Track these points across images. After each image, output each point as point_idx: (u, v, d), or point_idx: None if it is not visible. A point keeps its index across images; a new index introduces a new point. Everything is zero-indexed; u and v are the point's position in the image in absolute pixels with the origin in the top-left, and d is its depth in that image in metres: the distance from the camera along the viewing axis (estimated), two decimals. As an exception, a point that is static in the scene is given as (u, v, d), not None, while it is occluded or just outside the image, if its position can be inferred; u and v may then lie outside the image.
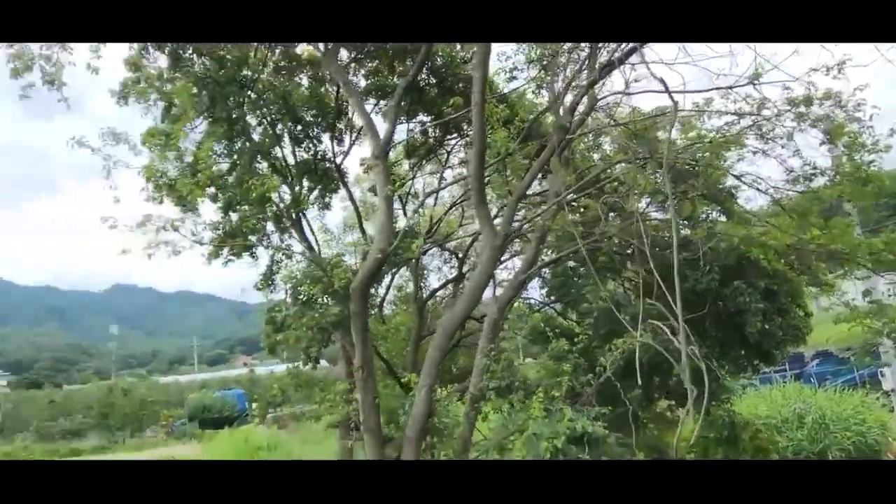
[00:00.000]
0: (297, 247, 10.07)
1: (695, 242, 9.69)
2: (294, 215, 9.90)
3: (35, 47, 6.75)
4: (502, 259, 12.21)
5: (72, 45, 6.81)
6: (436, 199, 13.69)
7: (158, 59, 8.98)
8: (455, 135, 11.39)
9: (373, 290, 11.27)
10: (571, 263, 12.07)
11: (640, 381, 5.37)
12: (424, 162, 11.66)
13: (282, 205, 9.81)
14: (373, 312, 11.89)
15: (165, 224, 7.68)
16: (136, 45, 8.61)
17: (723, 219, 10.07)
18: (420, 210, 13.66)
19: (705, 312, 9.17)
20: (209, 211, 9.62)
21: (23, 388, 61.34)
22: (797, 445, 12.64)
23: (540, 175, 9.37)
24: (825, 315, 11.88)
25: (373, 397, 6.80)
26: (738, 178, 8.47)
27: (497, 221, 8.29)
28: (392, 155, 11.27)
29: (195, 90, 8.37)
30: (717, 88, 7.74)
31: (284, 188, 10.25)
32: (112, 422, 32.07)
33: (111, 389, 35.60)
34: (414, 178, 11.74)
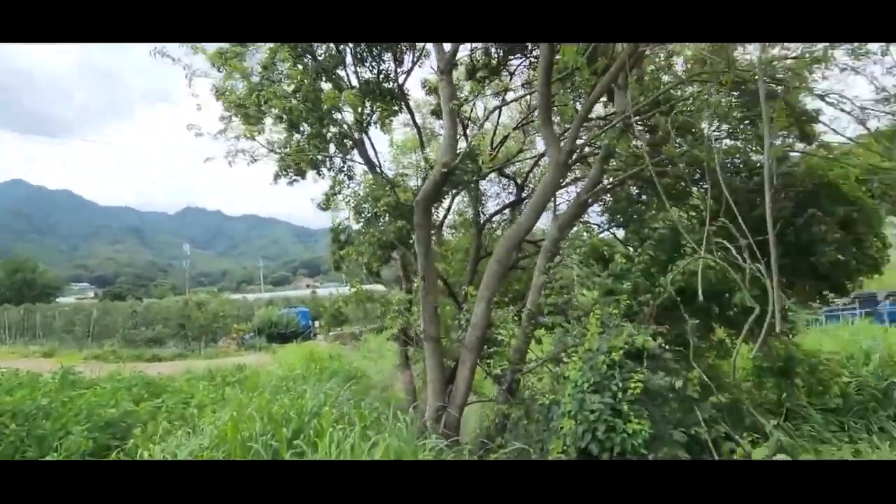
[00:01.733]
0: (359, 168, 10.26)
1: (763, 166, 9.32)
2: (357, 135, 10.01)
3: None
4: (565, 184, 12.08)
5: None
6: (497, 122, 13.48)
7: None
8: (519, 54, 11.06)
9: (435, 210, 11.43)
10: (635, 189, 11.81)
11: (701, 299, 5.33)
12: (487, 82, 11.41)
13: (345, 125, 9.94)
14: (432, 233, 12.10)
15: (241, 134, 7.95)
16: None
17: (800, 145, 9.57)
18: (481, 132, 13.54)
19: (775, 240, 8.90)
20: (274, 134, 9.90)
21: (108, 299, 66.46)
22: (861, 382, 12.34)
23: (606, 97, 9.07)
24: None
25: (434, 307, 7.04)
26: (821, 97, 7.95)
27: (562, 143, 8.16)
28: (454, 76, 11.11)
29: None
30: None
31: (347, 109, 10.33)
32: (188, 332, 34.45)
33: (186, 303, 37.99)
34: (476, 98, 11.54)
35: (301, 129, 9.64)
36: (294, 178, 10.11)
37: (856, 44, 7.45)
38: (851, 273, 8.49)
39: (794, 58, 7.60)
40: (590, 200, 10.63)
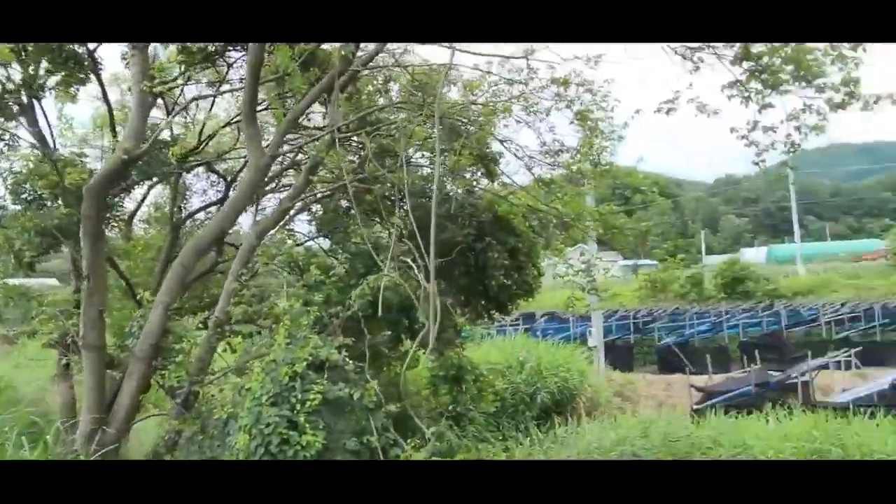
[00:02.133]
0: (29, 139, 8.51)
1: (457, 197, 10.42)
2: (25, 100, 8.31)
3: None
4: (276, 190, 11.81)
5: None
6: (208, 113, 12.59)
7: None
8: (239, 47, 10.51)
9: (120, 201, 10.10)
10: (345, 202, 12.14)
11: (380, 313, 5.65)
12: (199, 69, 10.56)
13: (10, 84, 8.17)
14: (118, 227, 10.69)
15: None
16: None
17: (485, 180, 10.97)
18: (189, 121, 12.50)
19: (457, 263, 9.99)
20: None
21: None
22: (515, 387, 14.54)
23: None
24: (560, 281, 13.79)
25: (98, 311, 6.13)
26: (501, 142, 9.24)
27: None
28: (163, 54, 10.04)
29: None
30: (498, 55, 8.33)
31: (15, 66, 8.51)
32: None
33: None
34: (185, 84, 10.57)
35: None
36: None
37: (531, 102, 8.87)
38: (512, 296, 9.94)
39: (482, 104, 8.67)
40: (295, 208, 10.57)
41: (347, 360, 5.84)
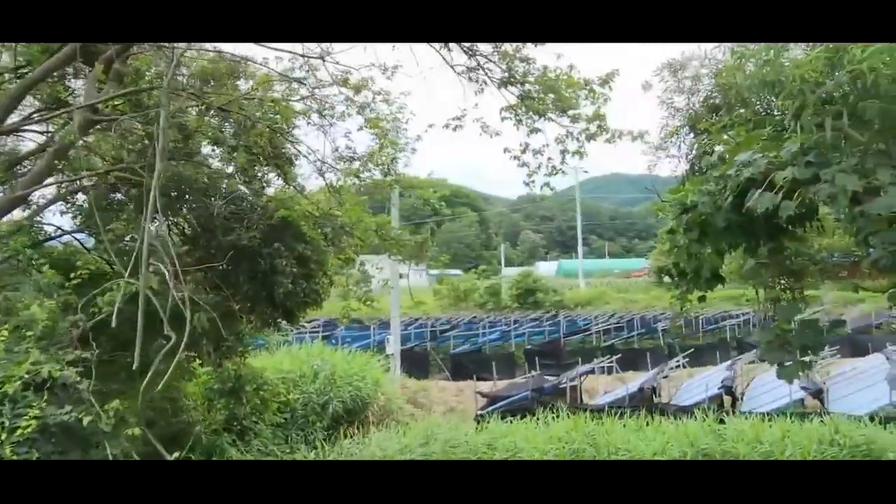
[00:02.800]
0: None
1: (245, 198, 9.78)
2: None
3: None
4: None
5: None
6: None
7: None
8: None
9: None
10: (120, 195, 10.76)
11: (114, 324, 4.96)
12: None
13: None
14: None
15: None
16: None
17: (280, 181, 10.44)
18: None
19: (242, 268, 9.33)
20: None
21: None
22: (307, 398, 14.08)
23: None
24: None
25: None
26: (293, 143, 8.84)
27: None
28: None
29: None
30: (292, 52, 7.94)
31: None
32: None
33: None
34: None
35: None
36: None
37: (323, 104, 8.60)
38: (300, 304, 9.54)
39: (273, 101, 8.21)
40: (46, 198, 9.13)
41: (80, 376, 5.03)
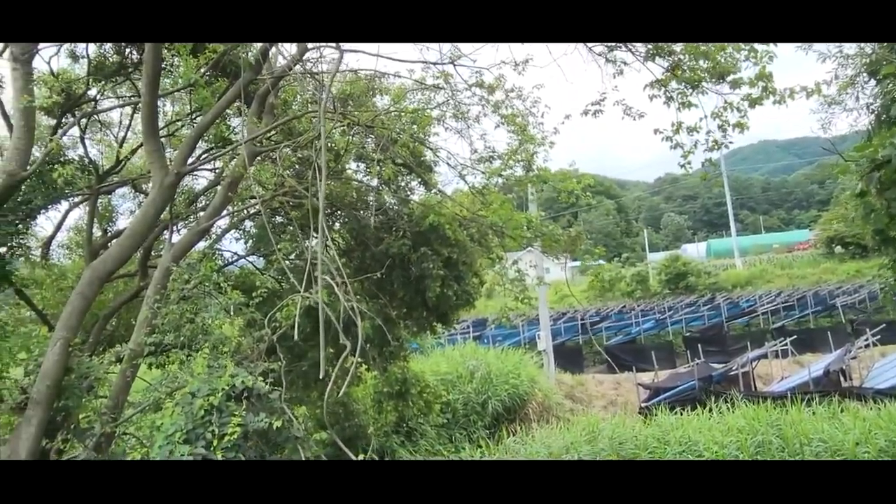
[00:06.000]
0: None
1: (391, 208, 10.15)
2: None
3: None
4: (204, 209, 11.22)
5: None
6: (128, 129, 11.93)
7: None
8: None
9: (24, 228, 9.37)
10: (279, 218, 11.70)
11: (296, 337, 5.32)
12: (112, 83, 9.96)
13: None
14: (24, 255, 9.93)
15: None
16: None
17: (422, 189, 10.75)
18: (106, 139, 11.83)
19: (395, 275, 9.71)
20: None
21: None
22: (466, 397, 14.35)
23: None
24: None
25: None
26: (433, 150, 9.03)
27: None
28: (76, 67, 9.43)
29: None
30: (422, 62, 8.10)
31: None
32: None
33: None
34: (97, 99, 9.94)
35: None
36: None
37: (460, 108, 8.69)
38: (452, 306, 9.71)
39: (411, 112, 8.44)
40: (222, 227, 10.08)
41: (272, 387, 5.45)
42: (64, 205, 10.72)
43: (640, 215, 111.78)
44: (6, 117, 8.55)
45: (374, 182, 10.55)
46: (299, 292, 6.94)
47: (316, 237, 10.96)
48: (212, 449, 4.86)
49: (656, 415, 10.73)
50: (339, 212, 10.66)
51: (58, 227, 11.60)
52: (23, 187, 7.30)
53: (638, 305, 34.12)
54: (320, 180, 4.91)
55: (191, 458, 4.72)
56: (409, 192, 10.15)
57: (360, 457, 5.22)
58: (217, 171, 10.64)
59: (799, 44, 9.91)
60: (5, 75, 8.19)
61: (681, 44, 5.29)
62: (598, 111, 7.06)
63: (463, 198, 9.81)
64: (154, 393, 5.63)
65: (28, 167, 5.84)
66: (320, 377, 4.61)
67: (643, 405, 13.54)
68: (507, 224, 7.68)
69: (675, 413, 10.62)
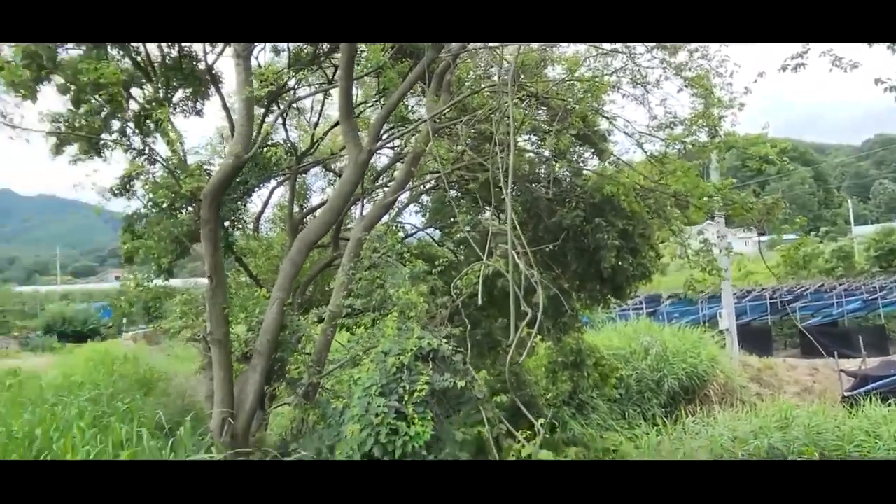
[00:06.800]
0: (163, 152, 9.32)
1: (565, 179, 10.05)
2: (157, 117, 9.08)
3: None
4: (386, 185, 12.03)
5: None
6: (320, 114, 13.11)
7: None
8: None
9: (242, 205, 10.78)
10: (454, 192, 12.18)
11: (479, 303, 5.54)
12: (307, 72, 11.00)
13: (148, 105, 8.95)
14: (242, 228, 11.43)
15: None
16: None
17: (595, 160, 10.49)
18: (304, 124, 13.08)
19: (568, 246, 9.64)
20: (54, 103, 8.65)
21: None
22: (640, 374, 13.92)
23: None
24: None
25: (221, 308, 6.56)
26: (609, 119, 8.76)
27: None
28: (278, 59, 10.55)
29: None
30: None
31: (149, 88, 9.33)
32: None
33: (-44, 296, 32.37)
34: (296, 88, 11.05)
35: (86, 102, 8.51)
36: (78, 156, 8.94)
37: (638, 73, 8.30)
38: (628, 278, 9.43)
39: (588, 80, 8.24)
40: (403, 201, 10.72)
41: (455, 350, 5.79)
42: (270, 184, 12.20)
43: (843, 183, 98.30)
44: (226, 108, 9.89)
45: (547, 153, 10.52)
46: (478, 261, 7.24)
47: (489, 210, 11.28)
48: (403, 403, 5.31)
49: (863, 406, 9.57)
50: (513, 184, 10.80)
51: (265, 204, 13.20)
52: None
53: (840, 284, 30.26)
54: (504, 153, 5.04)
55: (385, 409, 5.19)
56: (582, 163, 9.97)
57: (540, 421, 5.36)
58: (397, 148, 11.32)
59: None
60: (224, 71, 9.48)
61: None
62: (801, 65, 6.33)
63: (640, 168, 9.41)
64: (352, 349, 6.25)
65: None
66: (509, 343, 4.79)
67: (846, 394, 12.13)
68: (691, 192, 7.23)
69: (889, 405, 9.38)
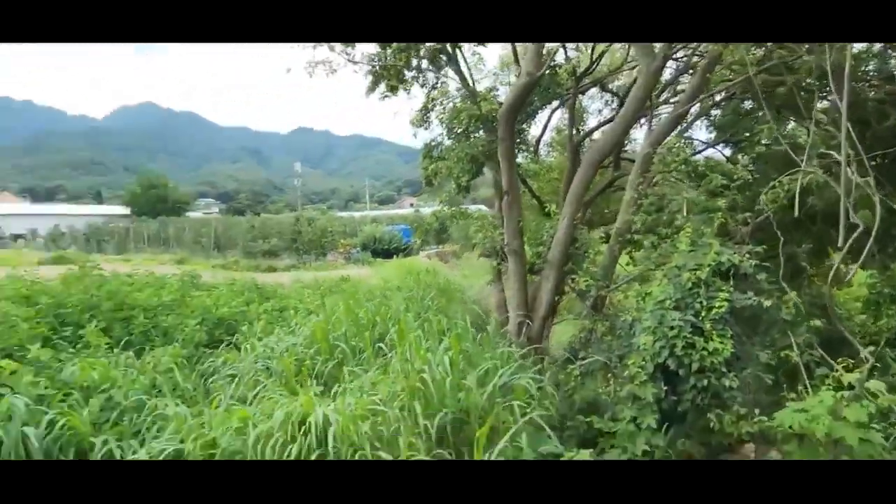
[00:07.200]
0: (453, 85, 10.13)
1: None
2: (450, 51, 9.83)
3: None
4: (669, 101, 11.29)
5: None
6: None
7: None
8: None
9: (527, 127, 11.17)
10: (748, 103, 10.86)
11: (796, 214, 4.98)
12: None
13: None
14: (526, 151, 11.89)
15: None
16: None
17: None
18: (582, 47, 12.85)
19: (906, 157, 7.99)
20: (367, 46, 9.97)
21: (230, 214, 72.20)
22: None
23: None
24: None
25: (517, 221, 7.05)
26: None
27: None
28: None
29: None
30: None
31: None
32: (299, 246, 36.80)
33: (297, 219, 40.28)
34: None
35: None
36: (385, 93, 10.23)
37: None
38: None
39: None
40: (693, 114, 9.96)
41: (761, 266, 5.38)
42: (550, 107, 12.38)
43: None
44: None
45: (878, 45, 8.73)
46: (784, 174, 6.47)
47: (794, 120, 9.85)
48: (700, 318, 5.16)
49: None
50: (826, 87, 9.23)
51: (544, 127, 13.50)
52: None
53: None
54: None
55: (681, 323, 5.11)
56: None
57: (869, 349, 4.74)
58: (682, 59, 10.42)
59: None
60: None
61: None
62: None
63: None
64: (644, 263, 6.22)
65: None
66: (832, 258, 4.28)
67: None
68: None
69: None
